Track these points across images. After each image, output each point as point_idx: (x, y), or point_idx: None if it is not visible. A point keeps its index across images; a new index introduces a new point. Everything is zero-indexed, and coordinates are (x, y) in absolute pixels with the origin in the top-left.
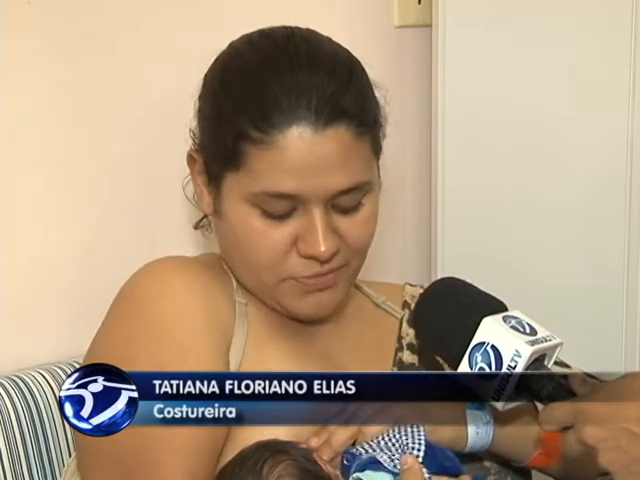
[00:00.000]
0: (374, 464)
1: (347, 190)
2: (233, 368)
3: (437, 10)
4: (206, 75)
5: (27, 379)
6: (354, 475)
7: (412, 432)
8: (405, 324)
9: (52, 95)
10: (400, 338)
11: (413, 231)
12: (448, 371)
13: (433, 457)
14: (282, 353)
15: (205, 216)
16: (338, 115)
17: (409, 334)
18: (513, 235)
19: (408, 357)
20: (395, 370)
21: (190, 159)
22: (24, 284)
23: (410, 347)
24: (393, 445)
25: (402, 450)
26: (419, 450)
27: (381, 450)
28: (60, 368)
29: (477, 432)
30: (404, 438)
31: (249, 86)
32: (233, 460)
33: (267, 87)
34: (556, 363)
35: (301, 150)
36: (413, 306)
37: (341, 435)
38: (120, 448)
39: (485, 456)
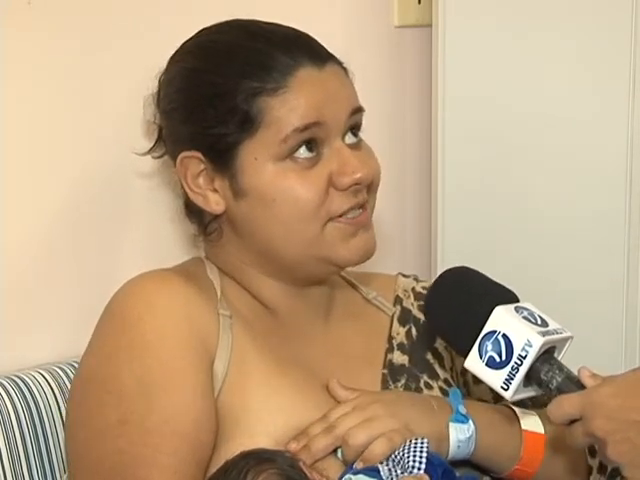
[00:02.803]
0: (372, 471)
1: (357, 109)
2: (218, 382)
3: (437, 10)
4: (169, 78)
5: (27, 379)
6: (346, 476)
7: (415, 445)
8: (396, 322)
9: (51, 95)
10: (391, 338)
11: (413, 231)
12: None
13: (432, 467)
14: (266, 365)
15: (211, 221)
16: (327, 56)
17: (400, 333)
18: (513, 235)
19: (399, 358)
20: (385, 372)
21: (181, 165)
22: (24, 284)
23: (401, 347)
24: (395, 458)
25: (404, 463)
26: (420, 464)
27: (386, 461)
28: (60, 368)
29: (459, 445)
30: (406, 451)
31: (241, 57)
32: (219, 470)
33: (260, 49)
34: None
35: (314, 84)
36: (425, 292)
37: (321, 442)
38: (106, 467)
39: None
